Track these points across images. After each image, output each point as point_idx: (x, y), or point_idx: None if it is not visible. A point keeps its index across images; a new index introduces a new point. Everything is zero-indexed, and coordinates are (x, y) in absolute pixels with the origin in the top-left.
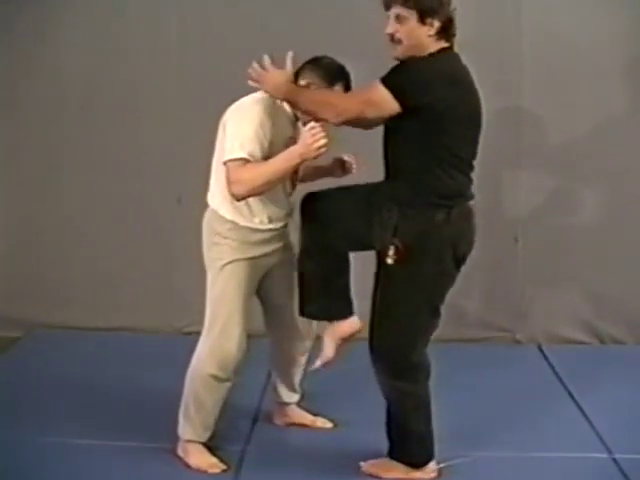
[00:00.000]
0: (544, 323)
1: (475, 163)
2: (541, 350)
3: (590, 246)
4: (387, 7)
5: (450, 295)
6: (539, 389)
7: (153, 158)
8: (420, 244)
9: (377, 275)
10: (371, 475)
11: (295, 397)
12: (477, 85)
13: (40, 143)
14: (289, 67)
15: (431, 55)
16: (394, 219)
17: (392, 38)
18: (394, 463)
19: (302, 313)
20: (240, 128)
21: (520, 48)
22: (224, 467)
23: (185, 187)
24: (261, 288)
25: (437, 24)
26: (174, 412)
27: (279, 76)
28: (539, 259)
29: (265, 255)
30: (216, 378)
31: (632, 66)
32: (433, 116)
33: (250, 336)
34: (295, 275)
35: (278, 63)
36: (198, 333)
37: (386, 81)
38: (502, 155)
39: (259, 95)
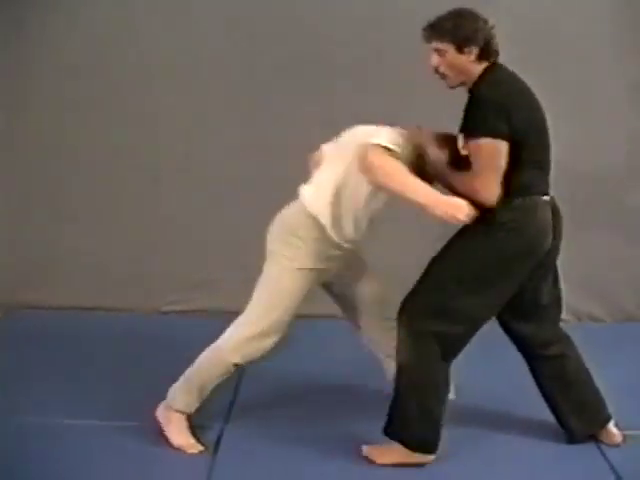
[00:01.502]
0: None
1: None
2: None
3: (567, 225)
4: (427, 41)
5: None
6: (518, 368)
7: (133, 137)
8: (484, 227)
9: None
10: (368, 459)
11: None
12: None
13: (21, 126)
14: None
15: (488, 78)
16: None
17: (436, 71)
18: (392, 448)
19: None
20: (382, 132)
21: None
22: (201, 448)
23: (165, 167)
24: (329, 283)
25: (475, 50)
26: (153, 390)
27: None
28: None
29: (328, 269)
30: (236, 366)
31: (615, 49)
32: (517, 136)
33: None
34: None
35: None
36: (176, 312)
37: (476, 134)
38: None
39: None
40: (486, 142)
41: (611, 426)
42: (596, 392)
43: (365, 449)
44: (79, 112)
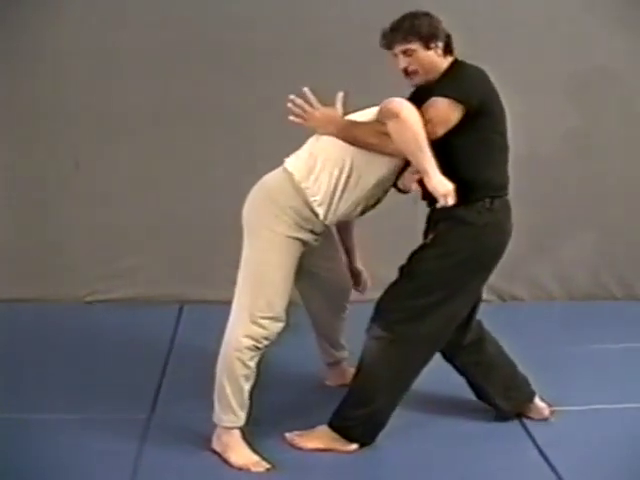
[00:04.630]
0: None
1: None
2: None
3: None
4: (389, 47)
5: None
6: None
7: (51, 121)
8: (467, 229)
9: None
10: (292, 445)
11: (346, 353)
12: None
13: None
14: (339, 108)
15: (456, 66)
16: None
17: (407, 72)
18: (316, 433)
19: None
20: None
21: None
22: (268, 466)
23: (83, 152)
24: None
25: (441, 44)
26: (79, 382)
27: (331, 112)
28: None
29: (310, 243)
30: (251, 350)
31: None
32: (488, 114)
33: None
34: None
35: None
36: (100, 302)
37: (447, 93)
38: None
39: None
40: (443, 101)
41: (537, 401)
42: (516, 370)
43: (288, 436)
44: None
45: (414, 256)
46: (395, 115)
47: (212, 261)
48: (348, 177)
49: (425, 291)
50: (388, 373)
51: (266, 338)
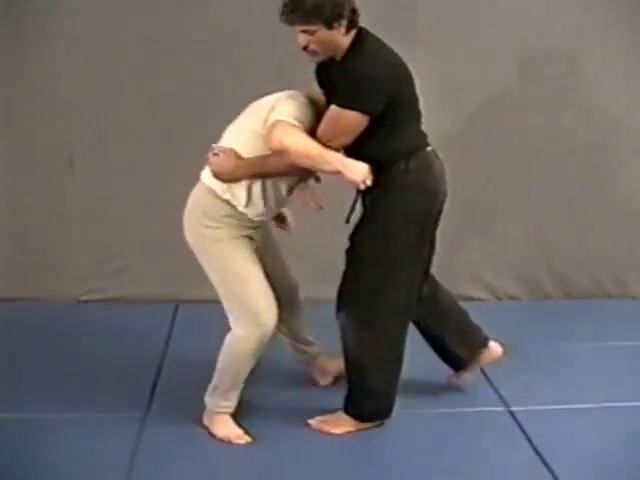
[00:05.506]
0: (442, 281)
1: None
2: None
3: (482, 206)
4: (290, 24)
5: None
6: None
7: (48, 120)
8: (392, 196)
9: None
10: (321, 432)
11: (317, 347)
12: None
13: None
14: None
15: (359, 49)
16: None
17: (305, 49)
18: (344, 417)
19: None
20: (283, 106)
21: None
22: (249, 439)
23: (78, 149)
24: None
25: (344, 22)
26: (75, 382)
27: (226, 159)
28: None
29: (254, 239)
30: (258, 350)
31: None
32: (398, 103)
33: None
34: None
35: None
36: (95, 301)
37: (350, 104)
38: None
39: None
40: (350, 114)
41: (491, 344)
42: (468, 316)
43: (314, 423)
44: None
45: (354, 236)
46: (284, 151)
47: None
48: (261, 184)
49: (373, 266)
50: (369, 351)
51: (270, 331)
